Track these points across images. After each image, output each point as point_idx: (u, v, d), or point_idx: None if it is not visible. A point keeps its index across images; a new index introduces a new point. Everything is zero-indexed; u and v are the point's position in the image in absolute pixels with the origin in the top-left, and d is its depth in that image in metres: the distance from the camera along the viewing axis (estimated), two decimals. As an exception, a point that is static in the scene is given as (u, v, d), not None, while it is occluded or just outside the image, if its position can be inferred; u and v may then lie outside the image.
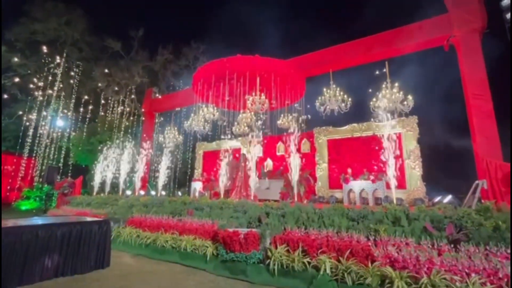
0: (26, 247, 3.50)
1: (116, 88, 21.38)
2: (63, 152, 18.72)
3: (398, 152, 6.75)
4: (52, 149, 17.97)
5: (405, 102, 7.79)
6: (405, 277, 2.96)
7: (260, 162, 11.00)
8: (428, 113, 10.53)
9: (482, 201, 5.43)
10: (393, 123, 7.25)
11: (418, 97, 8.23)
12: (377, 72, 8.09)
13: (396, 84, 8.05)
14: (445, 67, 12.55)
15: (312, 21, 23.41)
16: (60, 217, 5.83)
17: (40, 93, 18.30)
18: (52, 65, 18.91)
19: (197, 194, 10.94)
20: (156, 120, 17.95)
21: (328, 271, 3.42)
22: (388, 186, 7.63)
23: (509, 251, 2.98)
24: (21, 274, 3.42)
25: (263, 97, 9.18)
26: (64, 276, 3.76)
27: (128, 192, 12.54)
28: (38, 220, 4.40)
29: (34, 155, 17.45)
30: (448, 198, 6.79)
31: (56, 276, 3.70)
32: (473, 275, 2.77)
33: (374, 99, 8.36)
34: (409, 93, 7.93)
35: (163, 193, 11.86)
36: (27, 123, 17.69)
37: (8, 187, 17.08)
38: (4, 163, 19.09)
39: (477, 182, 6.16)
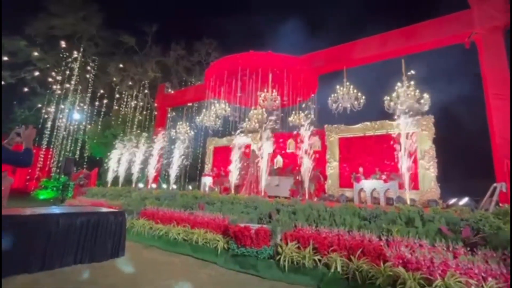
0: (48, 234, 3.67)
1: (130, 83, 21.81)
2: (79, 144, 19.33)
3: (412, 152, 6.62)
4: (69, 141, 18.58)
5: (422, 101, 7.60)
6: (418, 278, 2.92)
7: (270, 159, 11.00)
8: (446, 113, 10.22)
9: (500, 204, 5.25)
10: (408, 122, 7.09)
11: (435, 96, 8.00)
12: (404, 76, 7.82)
13: (412, 82, 7.85)
14: (464, 65, 12.12)
15: (326, 16, 23.02)
16: (78, 207, 6.05)
17: (58, 86, 18.90)
18: (70, 59, 19.46)
19: (207, 188, 11.09)
20: (168, 115, 18.21)
21: (339, 269, 3.42)
22: (400, 186, 7.50)
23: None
24: (42, 260, 3.59)
25: (275, 93, 9.16)
26: (82, 263, 3.93)
27: (141, 185, 12.86)
28: (56, 209, 4.59)
29: (52, 146, 18.10)
30: (465, 200, 6.61)
31: (75, 263, 3.87)
32: (489, 279, 2.71)
33: (388, 98, 8.19)
34: (426, 92, 7.73)
35: (174, 186, 12.08)
36: (46, 116, 18.34)
37: (28, 177, 17.83)
38: (24, 154, 19.86)
39: (495, 184, 5.97)
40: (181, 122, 12.90)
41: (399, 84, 8.01)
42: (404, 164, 6.31)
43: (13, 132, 2.39)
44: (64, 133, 18.48)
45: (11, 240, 3.32)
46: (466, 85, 12.51)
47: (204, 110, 11.44)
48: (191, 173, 20.26)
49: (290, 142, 11.52)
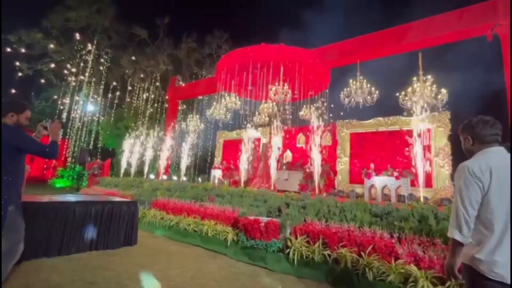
0: (65, 221, 3.81)
1: (142, 76, 22.06)
2: (93, 135, 19.84)
3: (426, 149, 6.46)
4: (83, 132, 19.10)
5: (439, 96, 7.34)
6: (431, 277, 2.87)
7: (280, 153, 10.98)
8: (463, 108, 9.85)
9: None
10: (423, 118, 6.88)
11: (452, 91, 7.71)
12: (420, 71, 7.49)
13: (429, 77, 7.58)
14: (484, 58, 11.59)
15: (340, 8, 22.41)
16: (93, 195, 6.24)
17: (73, 78, 19.35)
18: (84, 52, 19.84)
19: (216, 181, 11.20)
20: (179, 108, 18.38)
21: (349, 264, 3.40)
22: (412, 183, 7.35)
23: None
24: (60, 245, 3.74)
25: (286, 87, 9.06)
26: (97, 250, 4.07)
27: (152, 176, 13.13)
28: (72, 198, 4.74)
29: (67, 137, 18.66)
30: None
31: (90, 250, 4.01)
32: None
33: (403, 93, 7.96)
34: (443, 87, 7.45)
35: (184, 178, 12.27)
36: (61, 107, 18.86)
37: (45, 166, 18.51)
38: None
39: None
40: (191, 115, 13.00)
41: (415, 78, 7.76)
42: (418, 161, 6.15)
43: (40, 125, 2.50)
44: (79, 124, 19.00)
45: (32, 225, 3.47)
46: (486, 79, 11.99)
47: (214, 103, 11.47)
48: (201, 165, 20.50)
49: (300, 137, 11.43)
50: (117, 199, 5.17)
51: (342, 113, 9.87)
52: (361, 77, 8.88)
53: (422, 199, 5.83)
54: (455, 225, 1.43)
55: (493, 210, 1.36)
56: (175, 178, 13.35)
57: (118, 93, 21.71)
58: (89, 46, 19.97)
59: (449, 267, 1.46)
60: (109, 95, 21.25)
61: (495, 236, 1.35)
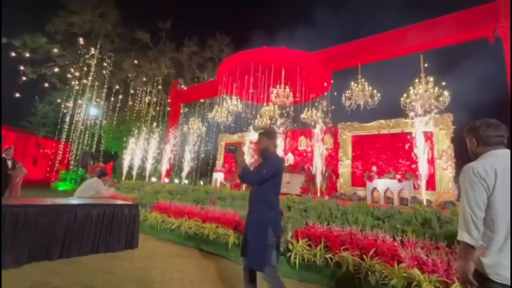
0: (66, 224, 3.81)
1: (144, 79, 22.21)
2: (95, 138, 19.94)
3: (429, 152, 6.42)
4: (86, 135, 19.22)
5: (441, 98, 7.31)
6: (434, 281, 2.83)
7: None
8: (465, 110, 9.78)
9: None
10: (425, 121, 6.85)
11: (454, 93, 7.68)
12: (422, 73, 7.52)
13: (431, 79, 7.56)
14: (487, 60, 11.55)
15: (342, 11, 22.50)
16: (94, 198, 6.24)
17: (76, 82, 19.53)
18: (87, 56, 20.04)
19: (218, 184, 11.19)
20: (181, 111, 18.43)
21: (351, 268, 3.36)
22: (415, 186, 7.29)
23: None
24: (61, 248, 3.74)
25: (287, 90, 9.08)
26: (98, 253, 4.06)
27: (153, 179, 13.15)
28: (73, 200, 4.75)
29: (70, 140, 18.78)
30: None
31: (92, 253, 4.00)
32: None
33: (405, 95, 7.94)
34: (445, 89, 7.43)
35: (186, 181, 12.28)
36: (65, 111, 19.01)
37: (48, 169, 18.61)
38: (44, 147, 20.83)
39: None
40: (193, 118, 13.04)
41: (417, 80, 7.74)
42: (421, 164, 6.11)
43: (228, 147, 2.66)
44: (82, 127, 19.13)
45: (34, 227, 3.47)
46: (489, 81, 11.93)
47: (216, 106, 11.51)
48: (203, 168, 20.50)
49: (302, 139, 11.42)
50: (119, 202, 5.16)
51: (343, 116, 9.86)
52: (363, 80, 8.88)
53: (425, 202, 5.77)
54: (464, 227, 1.40)
55: (498, 211, 1.35)
56: (176, 181, 13.36)
57: (120, 97, 21.86)
58: (92, 50, 20.17)
59: (463, 273, 1.41)
60: (112, 98, 21.39)
61: (500, 238, 1.33)
